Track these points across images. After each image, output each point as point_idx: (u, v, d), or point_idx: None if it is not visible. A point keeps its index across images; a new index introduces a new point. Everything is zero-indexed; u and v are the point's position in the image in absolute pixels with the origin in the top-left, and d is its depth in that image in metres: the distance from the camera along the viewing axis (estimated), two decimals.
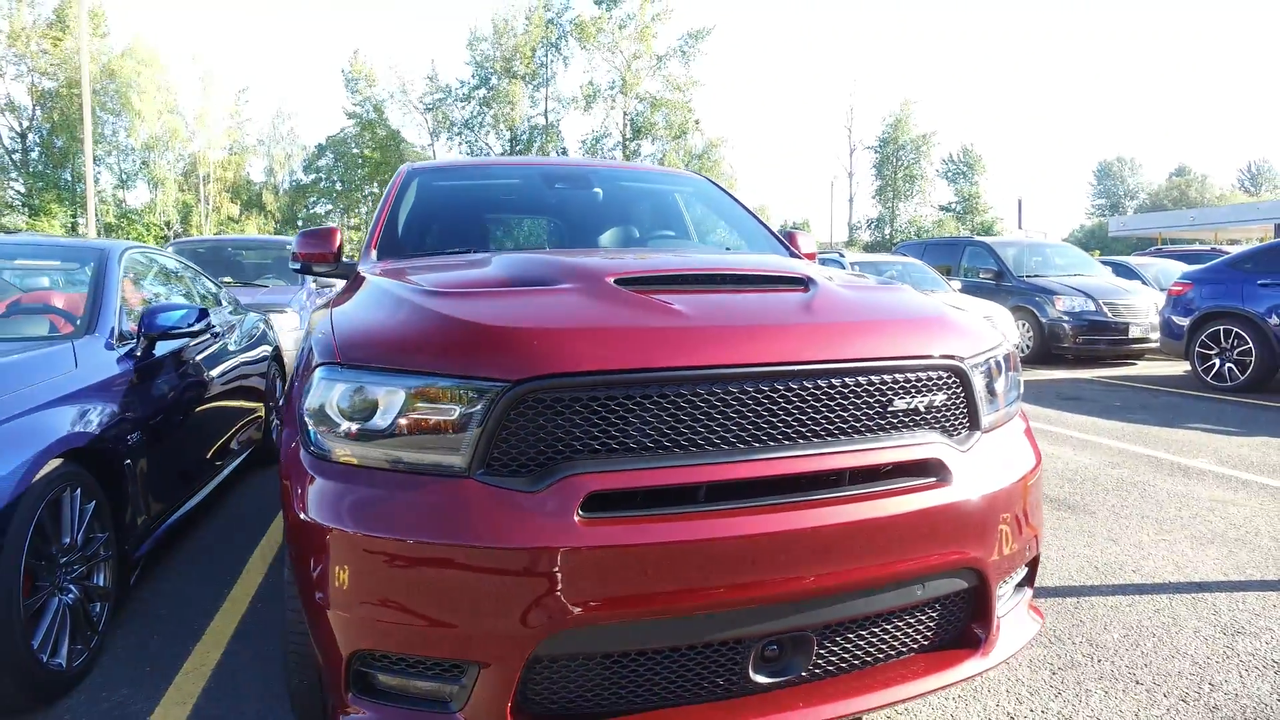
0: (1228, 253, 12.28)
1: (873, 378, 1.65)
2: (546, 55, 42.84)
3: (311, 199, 45.05)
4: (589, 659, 1.48)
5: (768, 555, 1.48)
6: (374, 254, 2.61)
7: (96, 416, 2.49)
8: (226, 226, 40.34)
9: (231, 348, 4.20)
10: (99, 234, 27.72)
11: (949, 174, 51.77)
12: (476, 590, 1.40)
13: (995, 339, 1.93)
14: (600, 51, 42.54)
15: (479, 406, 1.45)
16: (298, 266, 2.87)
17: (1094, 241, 53.40)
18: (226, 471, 3.92)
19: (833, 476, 1.58)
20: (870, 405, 1.65)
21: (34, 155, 35.94)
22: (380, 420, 1.51)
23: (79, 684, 2.25)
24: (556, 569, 1.38)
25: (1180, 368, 9.16)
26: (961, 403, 1.79)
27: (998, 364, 1.90)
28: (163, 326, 3.08)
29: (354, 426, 1.52)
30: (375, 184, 43.88)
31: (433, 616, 1.42)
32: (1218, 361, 7.58)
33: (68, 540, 2.27)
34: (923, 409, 1.72)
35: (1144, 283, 11.06)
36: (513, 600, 1.39)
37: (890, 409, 1.67)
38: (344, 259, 2.88)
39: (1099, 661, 2.37)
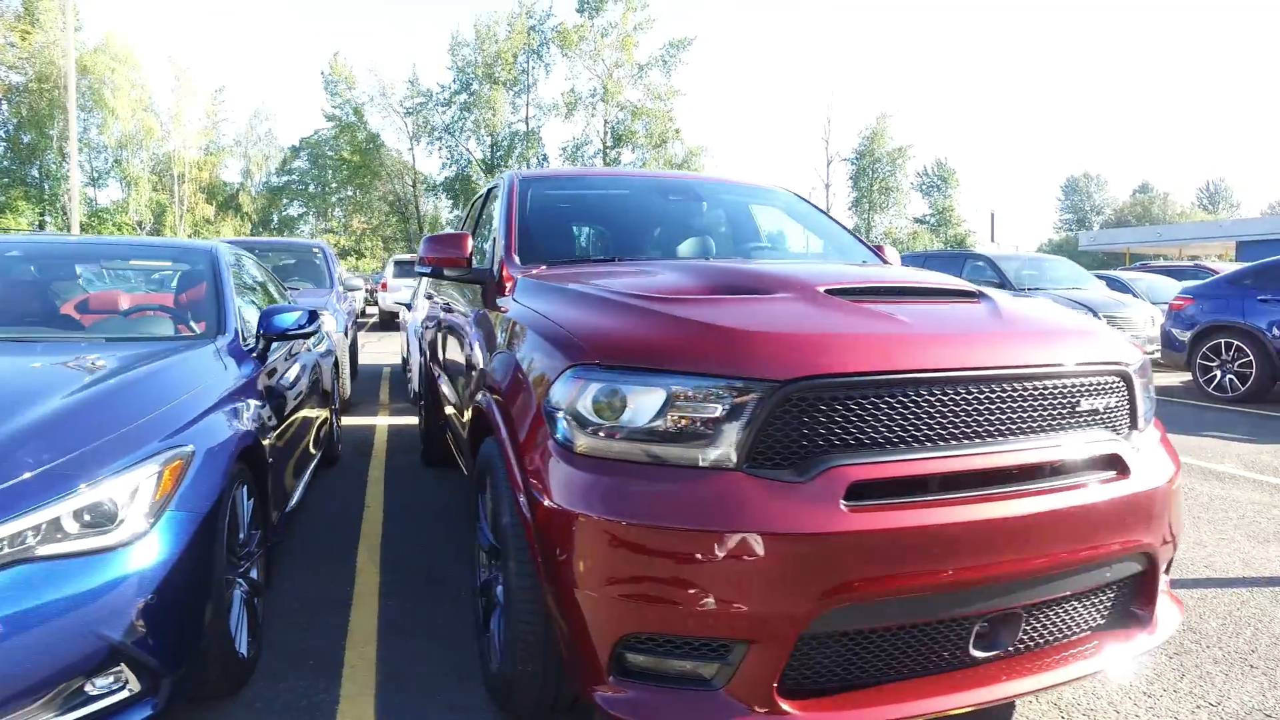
0: (1213, 270, 12.74)
1: (1065, 380, 1.82)
2: (528, 62, 42.87)
3: (285, 201, 44.50)
4: (844, 636, 1.60)
5: (994, 539, 1.64)
6: (517, 259, 2.70)
7: (249, 416, 2.55)
8: (201, 228, 39.66)
9: (310, 347, 4.24)
10: (83, 232, 27.05)
11: (923, 187, 52.84)
12: (752, 573, 1.52)
13: (1139, 350, 2.11)
14: (582, 59, 42.67)
15: (747, 405, 1.58)
16: (427, 270, 2.95)
17: (1064, 255, 54.81)
18: (312, 467, 3.97)
19: (1039, 469, 1.74)
20: (1063, 405, 1.81)
21: (0, 151, 34.96)
22: (640, 417, 1.62)
23: (251, 675, 2.31)
24: (829, 552, 1.52)
25: (1179, 379, 9.54)
26: (1126, 405, 1.96)
27: (1146, 371, 2.08)
28: (280, 328, 3.13)
29: (613, 422, 1.63)
30: (352, 188, 43.50)
31: (707, 599, 1.53)
32: (1219, 373, 7.93)
33: (241, 536, 2.34)
34: (1100, 409, 1.89)
35: (1135, 296, 11.47)
36: (788, 581, 1.52)
37: (1077, 409, 1.84)
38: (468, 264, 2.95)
39: (1207, 648, 2.55)
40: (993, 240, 40.54)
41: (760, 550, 1.52)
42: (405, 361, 9.58)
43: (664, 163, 42.84)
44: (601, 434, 1.64)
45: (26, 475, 1.69)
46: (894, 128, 53.83)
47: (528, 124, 43.65)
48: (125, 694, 1.73)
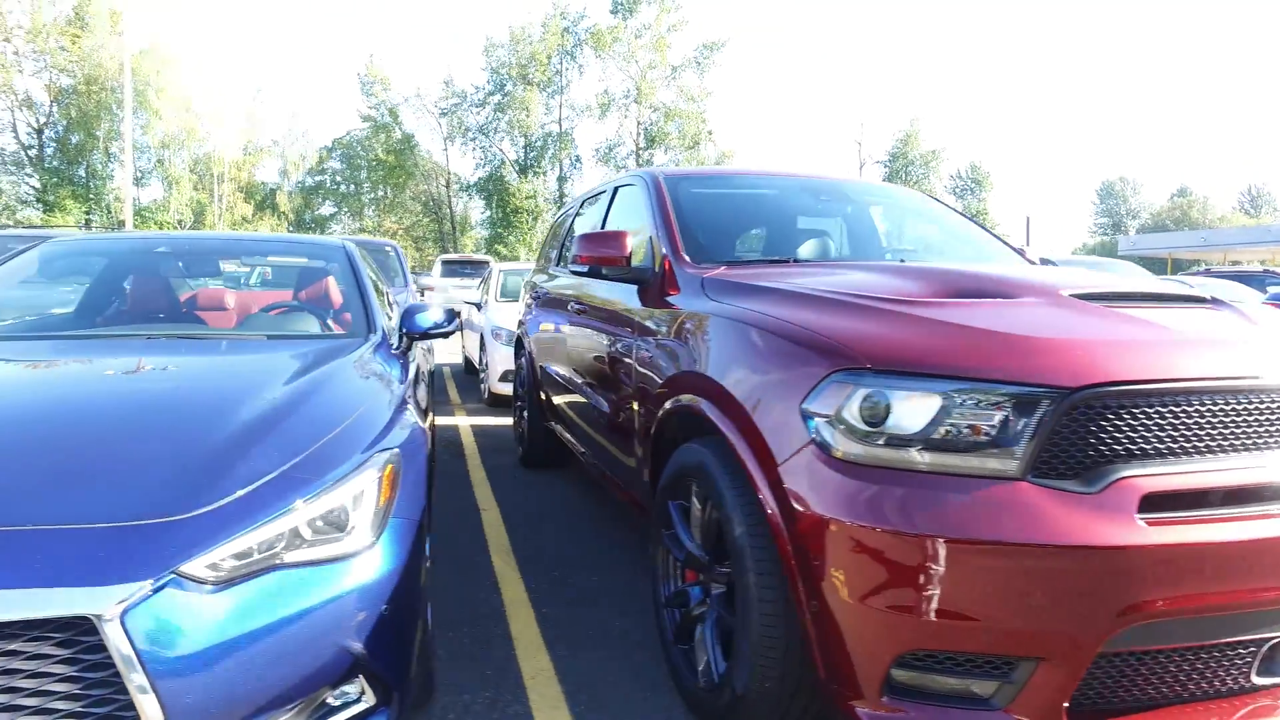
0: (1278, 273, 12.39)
1: None
2: (561, 63, 42.94)
3: (319, 200, 44.98)
4: (1130, 656, 1.52)
5: None
6: (686, 257, 2.62)
7: (419, 417, 2.49)
8: (239, 227, 40.21)
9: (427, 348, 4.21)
10: (135, 228, 27.53)
11: (957, 190, 52.21)
12: (1045, 587, 1.45)
13: None
14: (615, 60, 42.70)
15: (1033, 412, 1.50)
16: (584, 270, 2.88)
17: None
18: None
19: None
20: None
21: (49, 151, 35.71)
22: (912, 423, 1.55)
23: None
24: (1130, 566, 1.44)
25: None
26: None
27: None
28: (422, 328, 3.08)
29: (883, 429, 1.56)
30: (386, 188, 43.85)
31: (995, 614, 1.47)
32: None
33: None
34: None
35: None
36: (1085, 597, 1.44)
37: None
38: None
39: None
40: (1027, 245, 39.99)
41: (1054, 563, 1.44)
42: (468, 362, 9.58)
43: (697, 164, 42.76)
44: (872, 441, 1.57)
45: (268, 478, 1.64)
46: (927, 130, 53.34)
47: (560, 125, 43.74)
48: (364, 705, 1.67)
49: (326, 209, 45.49)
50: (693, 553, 2.14)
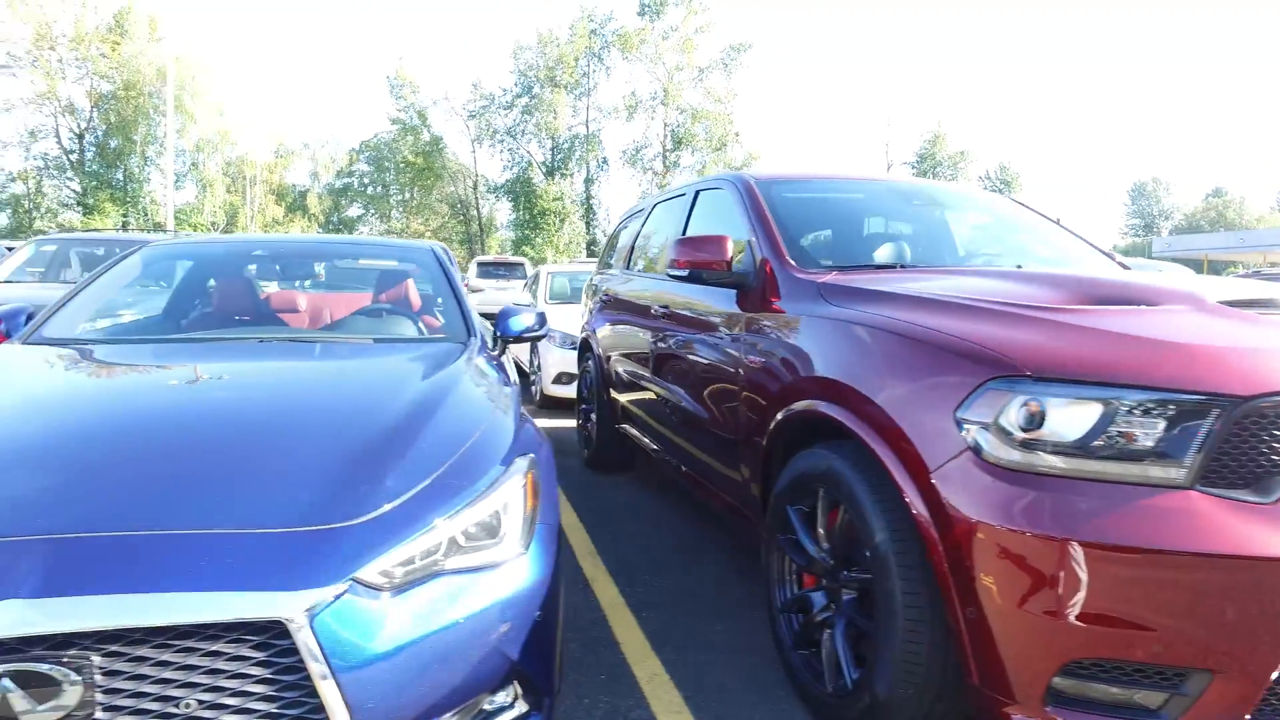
0: None
1: None
2: (589, 65, 43.07)
3: (347, 202, 45.46)
4: None
5: None
6: (792, 262, 2.62)
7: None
8: (271, 229, 40.78)
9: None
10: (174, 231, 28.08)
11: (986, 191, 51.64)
12: (1223, 598, 1.44)
13: None
14: (643, 62, 42.73)
15: (1203, 421, 1.49)
16: (683, 274, 2.89)
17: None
18: None
19: None
20: None
21: (89, 156, 36.48)
22: (1074, 431, 1.55)
23: None
24: None
25: None
26: None
27: None
28: (515, 331, 3.10)
29: (1045, 437, 1.55)
30: (414, 190, 44.20)
31: (1168, 624, 1.46)
32: None
33: None
34: None
35: None
36: (1260, 610, 1.43)
37: None
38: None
39: None
40: None
41: (1231, 574, 1.43)
42: (516, 365, 9.63)
43: (724, 166, 42.67)
44: (1032, 448, 1.56)
45: (423, 486, 1.65)
46: (954, 130, 52.76)
47: (588, 127, 43.88)
48: (518, 711, 1.68)
49: (354, 210, 46.00)
50: (816, 558, 2.13)
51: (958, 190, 3.49)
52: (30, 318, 2.81)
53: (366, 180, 44.64)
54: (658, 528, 3.79)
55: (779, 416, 2.35)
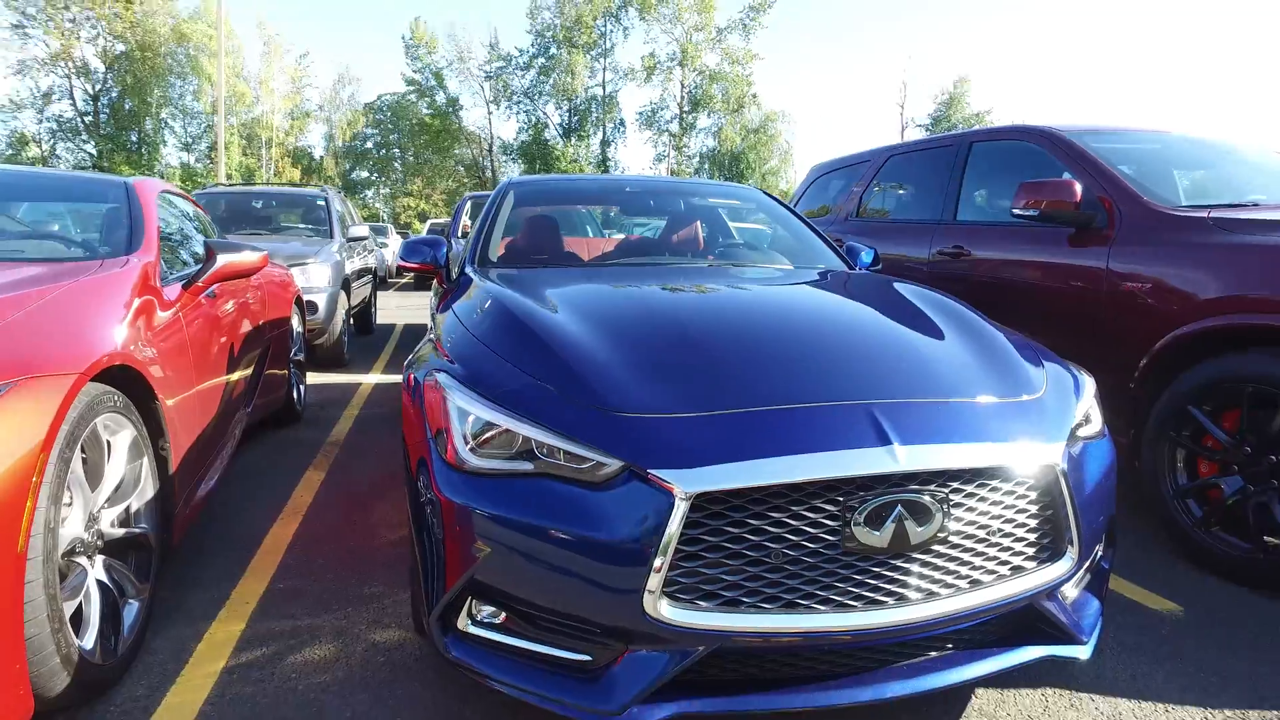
0: None
1: None
2: (606, 25, 42.61)
3: (350, 166, 45.02)
4: None
5: None
6: (1152, 201, 2.97)
7: None
8: None
9: None
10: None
11: None
12: None
13: None
14: (661, 23, 42.31)
15: None
16: (1035, 213, 3.21)
17: None
18: None
19: None
20: None
21: (104, 118, 36.07)
22: None
23: None
24: None
25: None
26: None
27: None
28: (866, 263, 3.41)
29: None
30: (430, 153, 43.87)
31: None
32: None
33: None
34: None
35: None
36: None
37: None
38: None
39: None
40: None
41: None
42: None
43: (740, 128, 42.57)
44: None
45: (1045, 373, 1.95)
46: (973, 93, 52.44)
47: (604, 88, 43.58)
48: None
49: (364, 173, 45.68)
50: (1230, 447, 2.52)
51: (1213, 140, 3.83)
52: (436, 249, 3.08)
53: (381, 143, 44.30)
54: None
55: (1173, 334, 2.71)
